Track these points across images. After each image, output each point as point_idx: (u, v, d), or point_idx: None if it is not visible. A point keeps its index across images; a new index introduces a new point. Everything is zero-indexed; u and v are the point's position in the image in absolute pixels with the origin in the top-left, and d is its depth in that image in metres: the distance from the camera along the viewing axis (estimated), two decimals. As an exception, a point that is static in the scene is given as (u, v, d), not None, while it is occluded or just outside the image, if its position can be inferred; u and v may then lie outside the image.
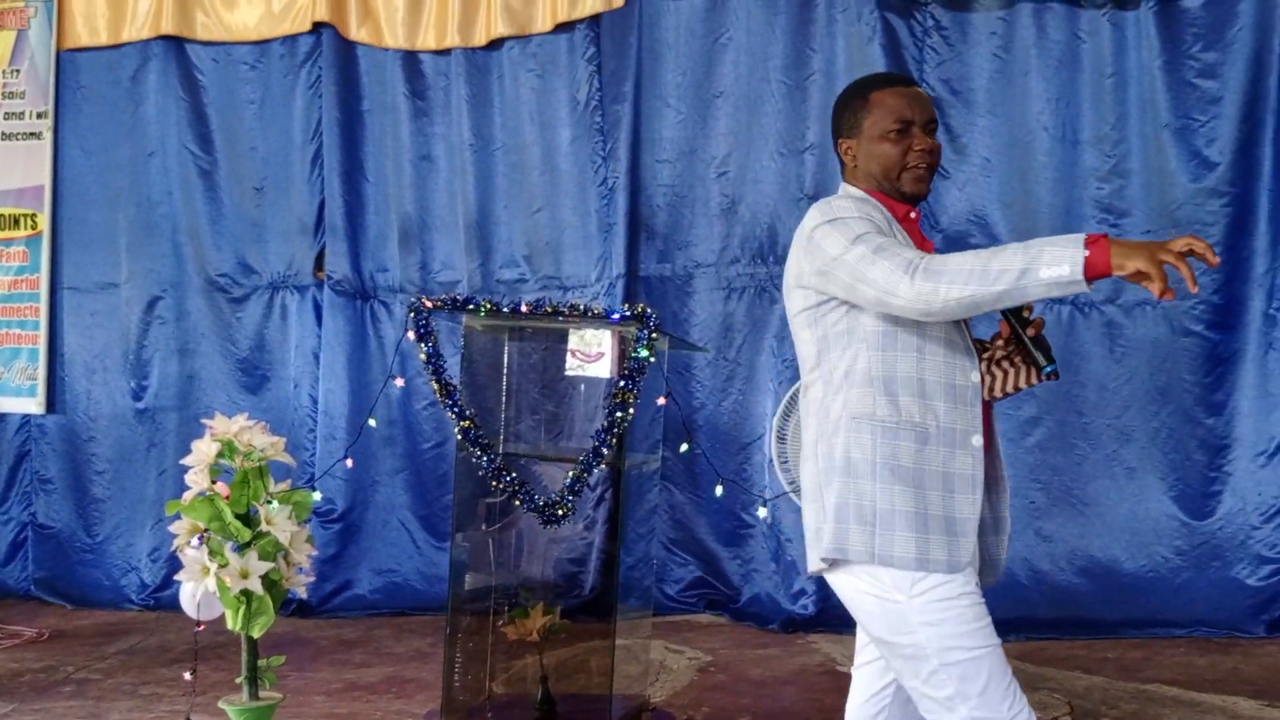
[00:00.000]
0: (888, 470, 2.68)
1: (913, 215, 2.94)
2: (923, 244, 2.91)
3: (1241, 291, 6.45)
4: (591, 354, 4.49)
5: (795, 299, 2.87)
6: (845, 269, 2.69)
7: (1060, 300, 6.56)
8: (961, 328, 2.77)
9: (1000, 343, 2.88)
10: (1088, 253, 2.43)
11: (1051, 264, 2.45)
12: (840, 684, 5.52)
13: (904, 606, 2.69)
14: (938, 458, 2.70)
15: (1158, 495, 6.50)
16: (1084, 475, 6.56)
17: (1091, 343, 6.56)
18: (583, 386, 4.88)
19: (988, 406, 2.82)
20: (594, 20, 7.13)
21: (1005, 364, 2.87)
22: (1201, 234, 6.42)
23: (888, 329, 2.73)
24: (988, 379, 2.85)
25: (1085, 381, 6.55)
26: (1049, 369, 2.78)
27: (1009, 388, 2.88)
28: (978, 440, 2.73)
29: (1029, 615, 6.38)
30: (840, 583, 2.86)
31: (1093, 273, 2.43)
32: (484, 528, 4.89)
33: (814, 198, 6.77)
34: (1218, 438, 6.48)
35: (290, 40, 7.55)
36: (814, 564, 2.88)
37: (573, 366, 4.54)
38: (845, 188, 2.97)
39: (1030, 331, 2.79)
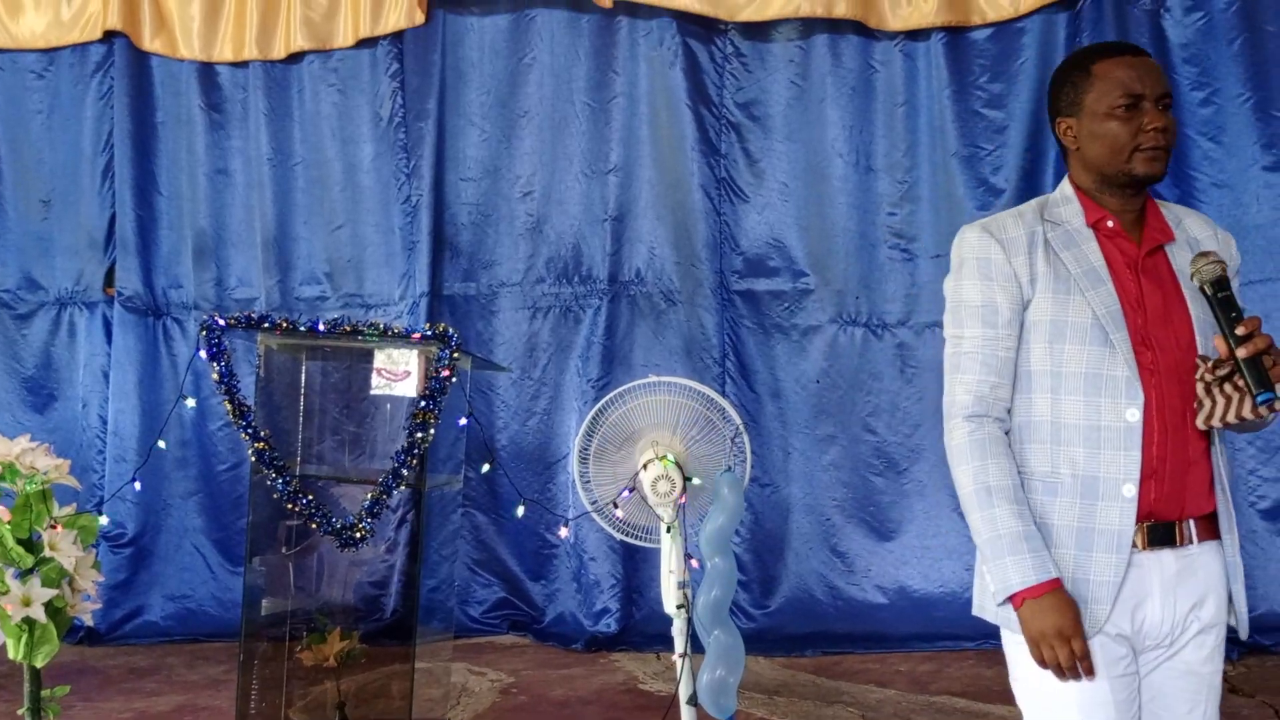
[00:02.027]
0: None
1: (1111, 224, 2.63)
2: (1126, 248, 2.62)
3: (1025, 315, 6.70)
4: (398, 373, 4.45)
5: None
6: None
7: (853, 321, 6.75)
8: (1120, 357, 2.52)
9: (1221, 364, 2.49)
10: (1015, 592, 2.49)
11: (996, 571, 2.53)
12: (641, 701, 5.58)
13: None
14: (1072, 511, 2.53)
15: (947, 512, 6.70)
16: (877, 492, 6.74)
17: (883, 363, 6.74)
18: (387, 406, 4.84)
19: (1202, 435, 2.54)
20: (397, 37, 7.07)
21: (1228, 387, 2.49)
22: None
23: (1023, 368, 2.60)
24: (1206, 403, 2.50)
25: (877, 401, 6.74)
26: (1264, 397, 2.40)
27: (1230, 416, 2.49)
28: (1130, 490, 2.49)
29: (824, 630, 6.54)
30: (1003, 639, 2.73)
31: (1010, 603, 2.50)
32: (282, 551, 4.80)
33: (617, 219, 6.87)
34: (1003, 457, 6.71)
35: (81, 49, 7.31)
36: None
37: (379, 385, 4.50)
38: (1064, 182, 2.71)
39: (1243, 352, 2.42)
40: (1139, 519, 2.51)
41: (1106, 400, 2.50)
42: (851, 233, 6.76)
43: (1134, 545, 2.51)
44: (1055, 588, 2.48)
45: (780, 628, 6.58)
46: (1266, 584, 6.18)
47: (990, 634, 6.50)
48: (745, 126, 6.84)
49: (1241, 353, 2.40)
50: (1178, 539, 2.54)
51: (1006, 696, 5.48)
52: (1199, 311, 2.54)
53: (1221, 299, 2.46)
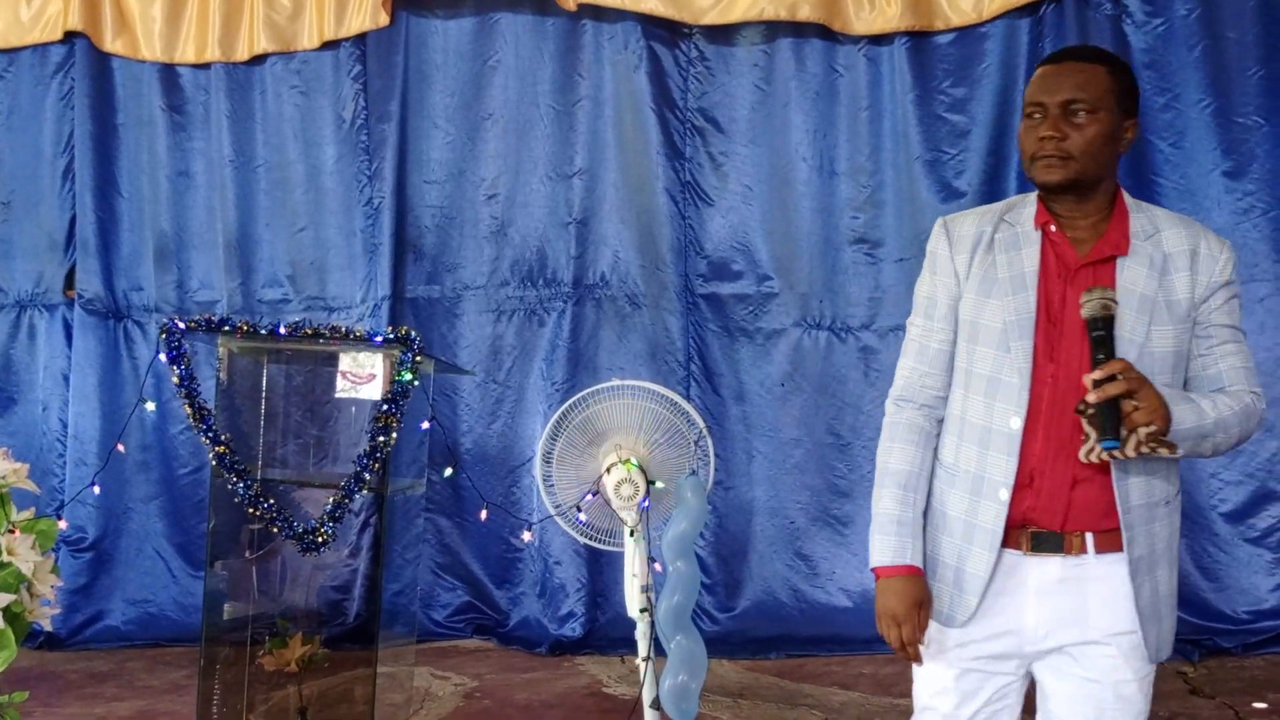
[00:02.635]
0: (930, 511, 2.71)
1: (1054, 229, 2.62)
2: (1066, 255, 2.61)
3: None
4: (363, 375, 4.44)
5: None
6: None
7: (817, 325, 6.76)
8: (1015, 365, 2.56)
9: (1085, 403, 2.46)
10: (874, 567, 2.71)
11: (870, 545, 2.72)
12: (605, 705, 5.57)
13: None
14: (962, 504, 2.63)
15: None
16: (840, 495, 6.76)
17: (847, 366, 6.76)
18: (352, 409, 4.83)
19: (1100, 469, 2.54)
20: (360, 39, 7.04)
21: (1089, 427, 2.48)
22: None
23: (955, 363, 2.71)
24: (1091, 435, 2.46)
25: (841, 404, 6.75)
26: (1107, 445, 2.39)
27: (1091, 455, 2.47)
28: (1004, 495, 2.56)
29: (788, 632, 6.55)
30: None
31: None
32: (244, 555, 4.77)
33: (582, 222, 6.87)
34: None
35: (41, 49, 7.24)
36: None
37: (343, 388, 4.48)
38: None
39: (1093, 397, 2.40)
40: (1013, 523, 2.58)
41: (999, 405, 2.58)
42: (815, 236, 6.78)
43: (1018, 547, 2.59)
44: (905, 574, 2.63)
45: (744, 631, 6.59)
46: (1228, 587, 6.22)
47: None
48: (709, 130, 6.85)
49: (1091, 397, 2.40)
50: (1066, 548, 2.57)
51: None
52: (1124, 333, 2.51)
53: (1094, 338, 2.45)
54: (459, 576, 7.02)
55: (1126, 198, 2.69)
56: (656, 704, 4.04)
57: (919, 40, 6.70)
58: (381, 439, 4.29)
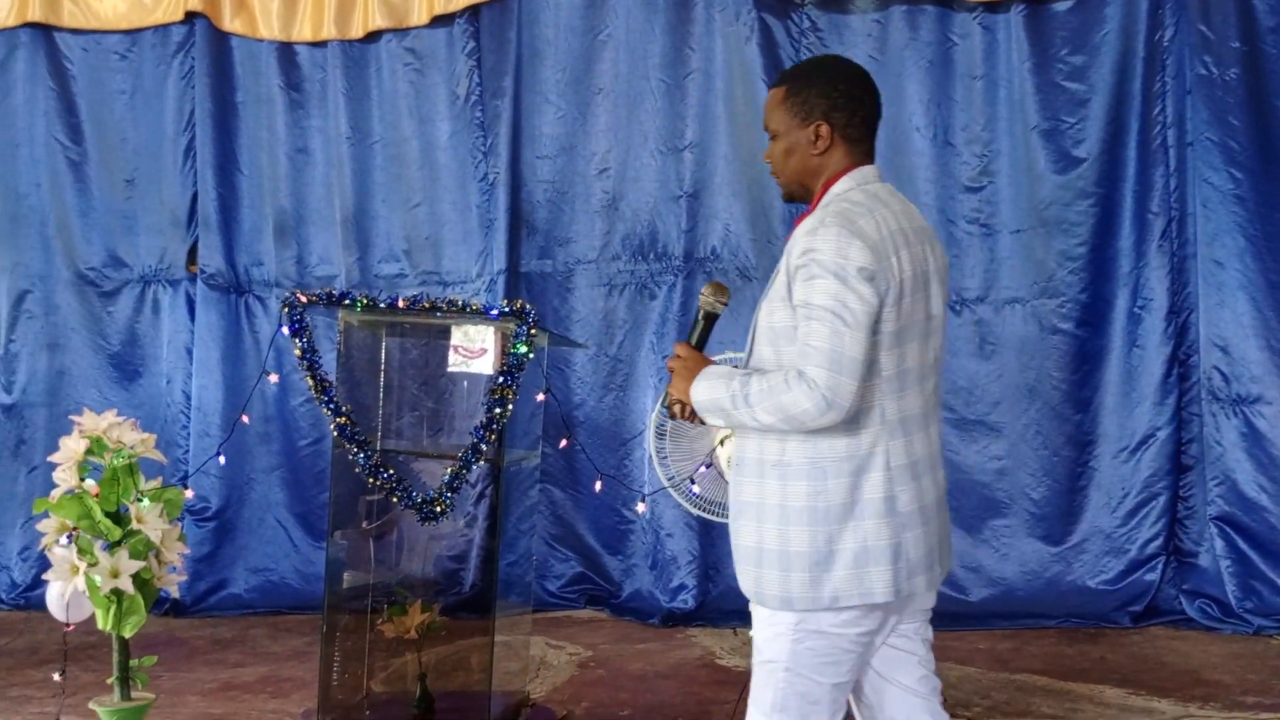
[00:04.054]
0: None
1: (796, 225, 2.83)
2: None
3: (1107, 290, 6.63)
4: (474, 350, 4.48)
5: None
6: None
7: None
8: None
9: None
10: None
11: None
12: (719, 676, 5.59)
13: None
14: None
15: (1026, 489, 6.66)
16: (955, 470, 6.69)
17: (961, 340, 6.69)
18: (464, 383, 4.87)
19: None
20: (473, 14, 7.10)
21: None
22: (1069, 233, 6.61)
23: None
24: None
25: (955, 378, 6.69)
26: (662, 412, 3.05)
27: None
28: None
29: (903, 607, 6.50)
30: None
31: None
32: (363, 525, 4.85)
33: (693, 196, 6.86)
34: (1084, 433, 6.66)
35: (162, 30, 7.40)
36: None
37: (455, 363, 4.52)
38: None
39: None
40: None
41: None
42: (929, 208, 6.70)
43: None
44: None
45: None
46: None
47: (1072, 613, 6.47)
48: (822, 102, 6.79)
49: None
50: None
51: (1088, 674, 5.48)
52: (763, 322, 2.80)
53: (695, 324, 2.98)
54: (572, 548, 7.08)
55: (830, 194, 2.81)
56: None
57: (1036, 7, 6.59)
58: (497, 411, 4.32)
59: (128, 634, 4.56)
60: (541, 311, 6.82)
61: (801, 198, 2.89)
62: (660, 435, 4.32)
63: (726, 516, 4.21)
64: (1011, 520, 6.66)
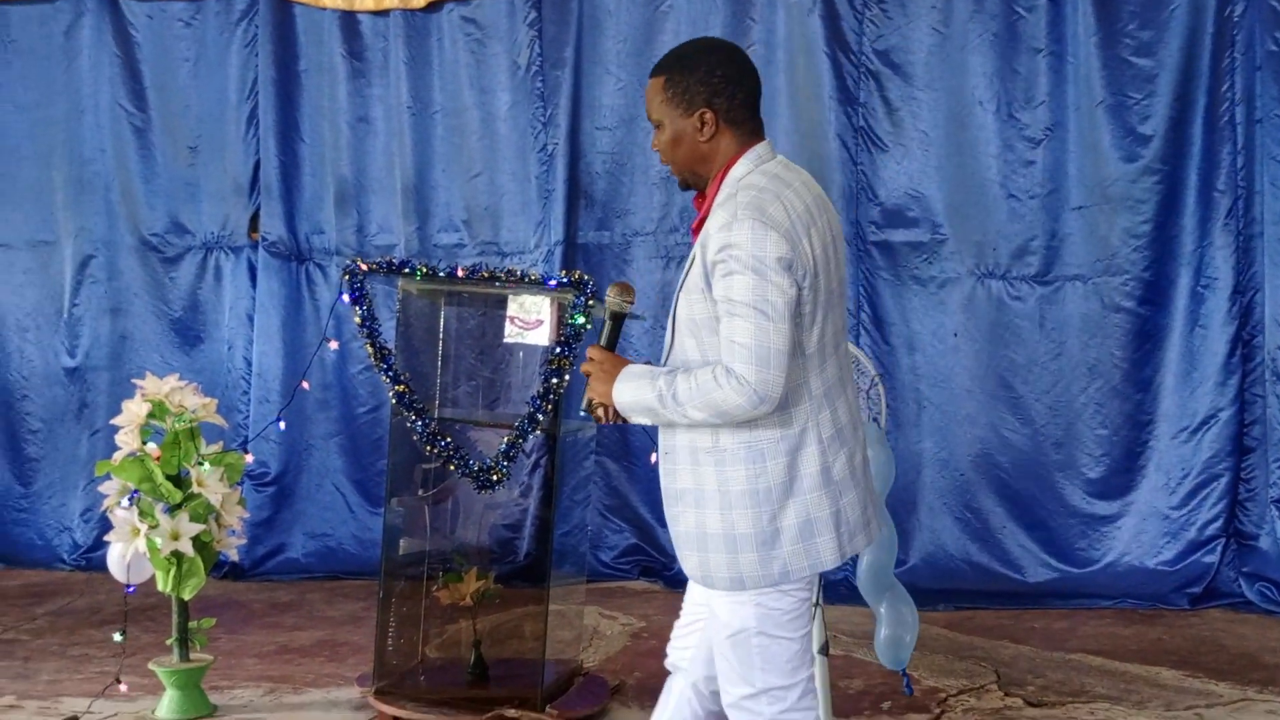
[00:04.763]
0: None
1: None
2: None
3: (1171, 268, 6.55)
4: (530, 321, 4.48)
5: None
6: None
7: (991, 274, 6.64)
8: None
9: None
10: None
11: None
12: (770, 650, 5.58)
13: None
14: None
15: (1084, 469, 6.60)
16: (1012, 448, 6.65)
17: (1022, 316, 6.63)
18: (520, 352, 4.88)
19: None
20: (536, -15, 7.10)
21: None
22: (1133, 211, 6.53)
23: None
24: None
25: (1014, 355, 6.63)
26: (582, 412, 2.98)
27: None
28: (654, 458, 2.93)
29: (956, 585, 6.48)
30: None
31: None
32: (419, 493, 4.89)
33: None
34: (1144, 413, 6.59)
35: (226, -3, 7.46)
36: None
37: (511, 334, 4.53)
38: None
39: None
40: None
41: None
42: (992, 183, 6.64)
43: None
44: None
45: (911, 582, 6.45)
46: None
47: (1128, 593, 6.42)
48: (884, 74, 6.74)
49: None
50: None
51: (1144, 655, 5.45)
52: (683, 313, 2.84)
53: (610, 327, 3.02)
54: (626, 519, 7.10)
55: (729, 180, 2.81)
56: (825, 649, 4.03)
57: (1104, -20, 6.50)
58: (554, 381, 4.33)
59: (187, 596, 4.63)
60: (599, 283, 6.82)
61: (696, 185, 2.91)
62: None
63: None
64: (1069, 500, 6.60)
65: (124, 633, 4.73)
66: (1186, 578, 6.41)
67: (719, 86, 2.82)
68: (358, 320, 4.49)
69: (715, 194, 2.82)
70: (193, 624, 4.73)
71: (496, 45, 7.21)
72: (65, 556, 7.44)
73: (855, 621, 5.89)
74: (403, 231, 7.27)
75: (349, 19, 7.37)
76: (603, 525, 7.04)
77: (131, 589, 4.66)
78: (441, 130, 7.28)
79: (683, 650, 3.10)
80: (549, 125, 7.13)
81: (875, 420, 4.13)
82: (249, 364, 7.36)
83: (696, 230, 2.85)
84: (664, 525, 6.89)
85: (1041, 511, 6.62)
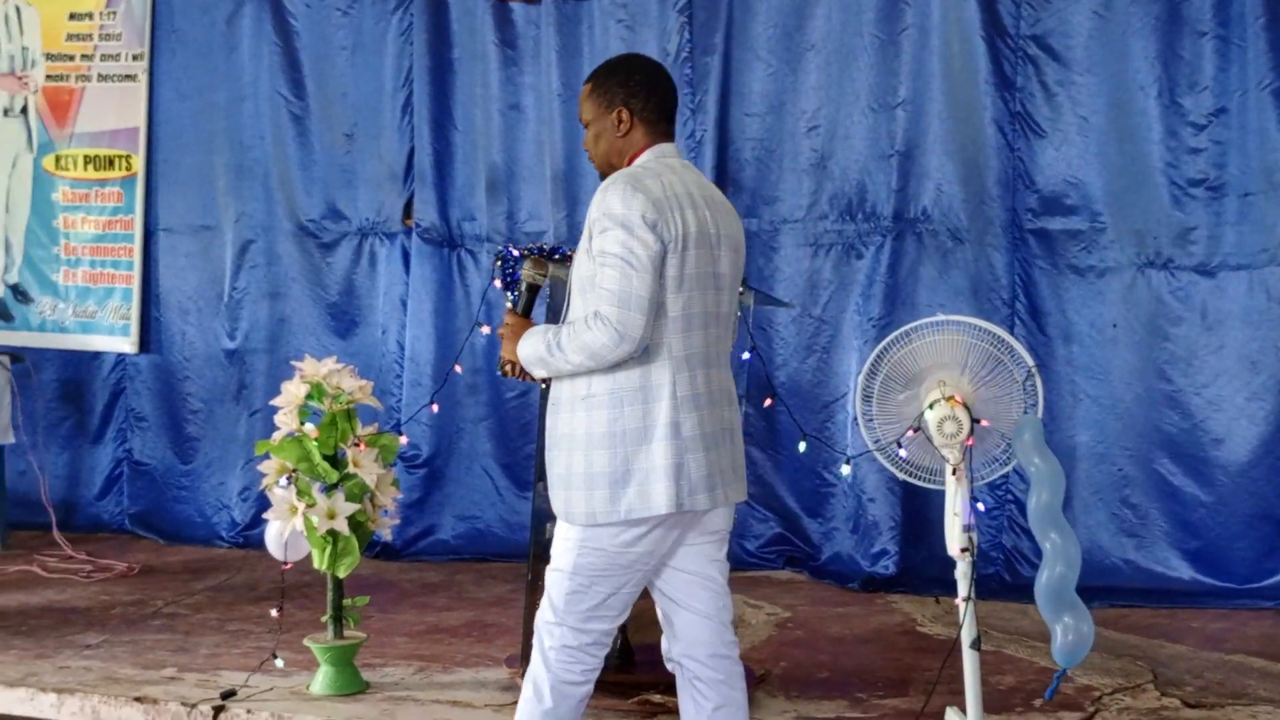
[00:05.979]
0: None
1: None
2: None
3: (1343, 261, 6.30)
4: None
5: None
6: None
7: (1152, 264, 6.46)
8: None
9: None
10: None
11: None
12: (919, 644, 5.53)
13: None
14: None
15: (1246, 466, 6.38)
16: (1170, 443, 6.46)
17: (1183, 308, 6.43)
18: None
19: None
20: (686, -27, 7.09)
21: None
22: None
23: None
24: None
25: (1174, 348, 6.44)
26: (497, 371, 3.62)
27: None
28: None
29: (1111, 583, 6.32)
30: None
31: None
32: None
33: (904, 154, 6.73)
34: (1310, 408, 6.35)
35: (382, -14, 7.59)
36: None
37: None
38: None
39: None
40: None
41: None
42: (1153, 170, 6.44)
43: None
44: None
45: (1064, 577, 6.40)
46: None
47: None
48: (1042, 59, 6.58)
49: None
50: None
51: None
52: (575, 274, 3.29)
53: (526, 297, 3.75)
54: (772, 508, 7.06)
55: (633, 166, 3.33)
56: (976, 644, 3.97)
57: (1271, -39, 6.27)
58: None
59: (342, 574, 4.73)
60: (747, 271, 6.79)
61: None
62: (866, 399, 4.26)
63: (933, 482, 4.16)
64: (1229, 497, 6.38)
65: (281, 609, 4.84)
66: (1354, 580, 6.18)
67: (635, 90, 3.36)
68: (509, 305, 4.52)
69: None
70: (347, 602, 4.83)
71: (646, 32, 7.21)
72: (224, 534, 7.66)
73: (1005, 617, 5.80)
74: (552, 218, 7.32)
75: (501, 7, 7.44)
76: (748, 514, 7.01)
77: (288, 566, 4.77)
78: (591, 118, 7.29)
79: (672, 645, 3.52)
80: (698, 112, 7.11)
81: (1026, 411, 4.04)
82: (402, 348, 7.48)
83: None
84: (811, 515, 6.95)
85: (1200, 509, 6.41)
